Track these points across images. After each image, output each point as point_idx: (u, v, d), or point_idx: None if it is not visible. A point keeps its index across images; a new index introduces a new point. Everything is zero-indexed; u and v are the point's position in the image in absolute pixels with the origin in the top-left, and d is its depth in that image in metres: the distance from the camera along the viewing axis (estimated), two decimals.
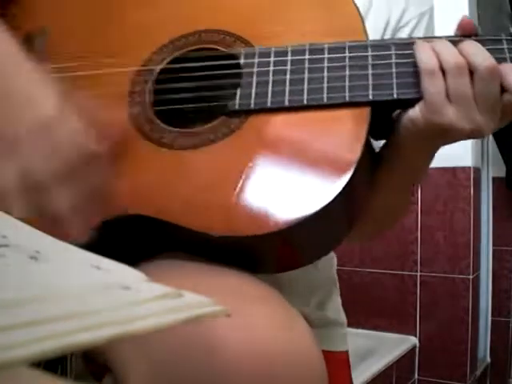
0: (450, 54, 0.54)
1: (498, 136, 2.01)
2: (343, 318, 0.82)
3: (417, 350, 1.95)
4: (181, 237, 0.55)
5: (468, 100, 0.54)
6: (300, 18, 0.63)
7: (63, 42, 0.65)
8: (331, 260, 0.83)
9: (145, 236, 0.58)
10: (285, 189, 0.54)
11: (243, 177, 0.55)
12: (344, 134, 0.56)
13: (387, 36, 0.71)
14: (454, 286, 1.91)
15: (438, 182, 1.91)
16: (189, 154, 0.57)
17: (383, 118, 0.59)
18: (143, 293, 0.24)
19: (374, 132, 0.58)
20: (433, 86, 0.54)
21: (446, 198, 1.92)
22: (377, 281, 2.04)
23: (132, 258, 0.59)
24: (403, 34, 0.72)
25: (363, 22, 0.60)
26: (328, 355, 0.75)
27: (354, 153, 0.53)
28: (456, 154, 1.85)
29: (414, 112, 0.56)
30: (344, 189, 0.52)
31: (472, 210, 1.89)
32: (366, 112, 0.56)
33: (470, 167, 1.90)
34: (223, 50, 0.62)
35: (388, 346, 1.87)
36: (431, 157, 0.65)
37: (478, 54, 0.54)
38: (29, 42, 0.65)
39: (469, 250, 1.90)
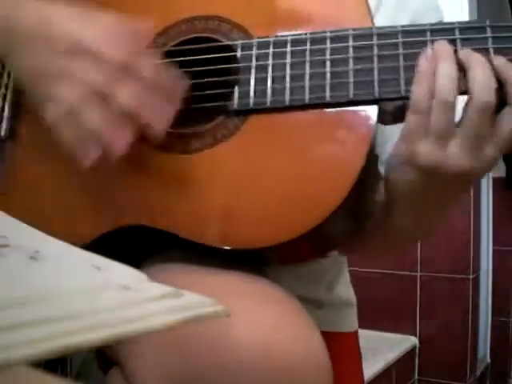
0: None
1: None
2: (352, 296, 0.80)
3: (417, 350, 1.95)
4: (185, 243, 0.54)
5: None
6: (299, 2, 0.59)
7: None
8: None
9: (144, 242, 0.58)
10: (292, 194, 0.53)
11: (247, 183, 0.54)
12: (348, 135, 0.53)
13: None
14: (454, 286, 1.90)
15: None
16: (189, 158, 0.55)
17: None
18: (143, 293, 0.24)
19: (384, 117, 0.55)
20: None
21: None
22: (377, 281, 2.03)
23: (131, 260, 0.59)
24: None
25: (368, 5, 0.56)
26: (337, 336, 0.74)
27: (359, 157, 0.52)
28: None
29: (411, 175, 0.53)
30: (345, 199, 0.51)
31: (472, 210, 1.89)
32: (371, 110, 0.53)
33: None
34: (219, 39, 0.58)
35: (388, 346, 1.87)
36: (454, 201, 0.59)
37: None
38: None
39: (469, 249, 1.90)
